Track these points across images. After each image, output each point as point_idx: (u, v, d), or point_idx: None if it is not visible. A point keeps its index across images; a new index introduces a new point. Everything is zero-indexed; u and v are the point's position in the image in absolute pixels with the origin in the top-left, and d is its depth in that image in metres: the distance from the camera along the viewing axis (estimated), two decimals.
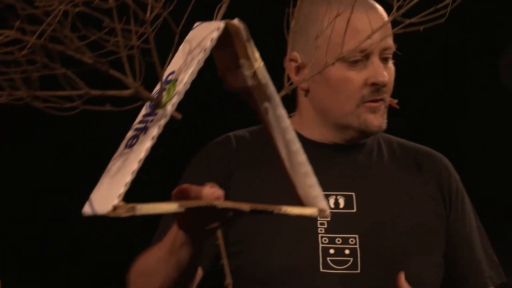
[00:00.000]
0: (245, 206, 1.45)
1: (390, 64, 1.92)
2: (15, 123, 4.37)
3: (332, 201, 1.93)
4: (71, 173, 4.73)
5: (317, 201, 1.54)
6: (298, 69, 1.93)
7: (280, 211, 1.48)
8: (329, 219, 1.69)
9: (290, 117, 1.54)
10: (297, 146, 1.55)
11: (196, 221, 1.47)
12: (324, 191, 1.84)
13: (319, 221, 1.90)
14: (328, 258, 1.89)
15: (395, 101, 1.95)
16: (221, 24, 1.43)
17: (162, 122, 1.37)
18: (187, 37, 1.42)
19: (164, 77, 1.38)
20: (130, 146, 1.39)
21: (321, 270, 1.88)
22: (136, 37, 1.27)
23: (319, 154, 1.83)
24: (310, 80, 1.91)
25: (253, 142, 1.88)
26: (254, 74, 1.49)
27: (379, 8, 1.91)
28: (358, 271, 1.90)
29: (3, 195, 4.63)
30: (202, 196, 1.41)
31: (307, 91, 1.93)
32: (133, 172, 1.35)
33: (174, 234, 1.58)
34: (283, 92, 1.53)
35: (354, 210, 1.94)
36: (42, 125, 4.47)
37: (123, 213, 1.34)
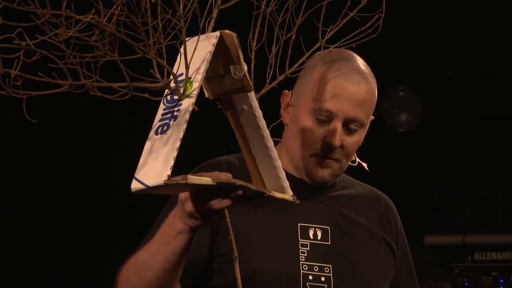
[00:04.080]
0: (252, 186, 1.67)
1: (356, 135, 2.04)
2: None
3: (311, 232, 2.05)
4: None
5: (287, 191, 1.75)
6: (287, 105, 2.07)
7: (270, 193, 1.69)
8: (298, 202, 1.79)
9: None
10: (271, 143, 1.74)
11: (202, 202, 1.65)
12: (305, 223, 2.05)
13: (300, 250, 2.02)
14: (307, 283, 2.00)
15: (365, 164, 2.10)
16: (217, 33, 1.61)
17: (190, 108, 1.57)
18: (182, 48, 1.56)
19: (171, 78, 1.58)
20: (162, 132, 1.58)
21: None
22: (163, 37, 1.50)
23: (298, 187, 1.87)
24: (289, 119, 2.06)
25: (240, 168, 1.92)
26: (244, 75, 1.66)
27: (367, 84, 2.02)
28: None
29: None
30: (219, 177, 1.62)
31: (286, 126, 2.08)
32: (177, 148, 1.55)
33: (170, 225, 1.75)
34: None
35: (329, 243, 2.05)
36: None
37: (179, 180, 1.54)
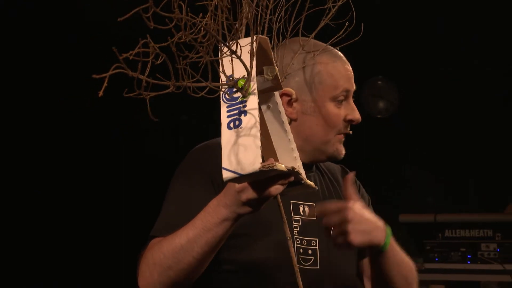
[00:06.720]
0: (301, 173, 1.73)
1: None
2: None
3: (301, 208, 2.12)
4: None
5: (305, 178, 1.79)
6: (290, 101, 2.11)
7: (305, 181, 1.76)
8: (317, 188, 1.84)
9: None
10: (291, 136, 1.81)
11: (262, 189, 1.69)
12: (296, 200, 2.12)
13: (294, 225, 2.09)
14: (299, 256, 2.08)
15: (351, 132, 2.18)
16: (254, 37, 1.61)
17: (257, 102, 1.63)
18: (224, 53, 1.61)
19: (225, 78, 1.63)
20: (236, 126, 1.62)
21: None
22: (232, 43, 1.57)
23: None
24: (300, 113, 2.11)
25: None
26: (275, 77, 1.73)
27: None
28: (318, 267, 2.10)
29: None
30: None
31: (294, 120, 2.11)
32: (259, 138, 1.60)
33: (213, 213, 1.80)
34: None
35: (315, 218, 2.12)
36: None
37: (273, 165, 1.59)
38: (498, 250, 4.55)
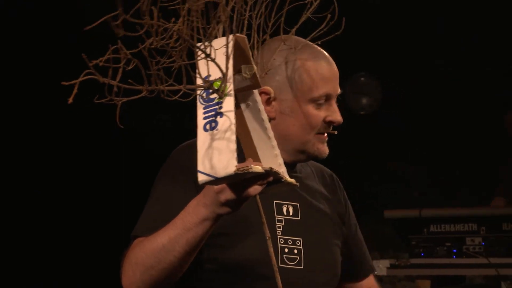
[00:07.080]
0: (280, 172, 1.73)
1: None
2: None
3: (285, 208, 2.12)
4: None
5: (286, 175, 1.79)
6: (269, 100, 2.08)
7: (285, 179, 1.76)
8: (298, 185, 1.84)
9: None
10: (271, 134, 1.80)
11: (241, 190, 1.70)
12: (279, 200, 2.11)
13: (277, 225, 2.09)
14: (284, 256, 2.08)
15: (335, 132, 2.15)
16: (231, 36, 1.59)
17: (233, 104, 1.62)
18: (199, 53, 1.58)
19: (200, 80, 1.61)
20: (212, 128, 1.62)
21: (279, 264, 2.04)
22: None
23: None
24: (278, 112, 2.09)
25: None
26: (254, 75, 1.71)
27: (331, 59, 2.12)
28: (302, 267, 2.09)
29: None
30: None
31: (273, 119, 2.08)
32: (235, 141, 1.59)
33: (193, 213, 1.81)
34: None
35: (299, 218, 2.13)
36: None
37: (248, 169, 1.60)
38: (483, 244, 4.57)
